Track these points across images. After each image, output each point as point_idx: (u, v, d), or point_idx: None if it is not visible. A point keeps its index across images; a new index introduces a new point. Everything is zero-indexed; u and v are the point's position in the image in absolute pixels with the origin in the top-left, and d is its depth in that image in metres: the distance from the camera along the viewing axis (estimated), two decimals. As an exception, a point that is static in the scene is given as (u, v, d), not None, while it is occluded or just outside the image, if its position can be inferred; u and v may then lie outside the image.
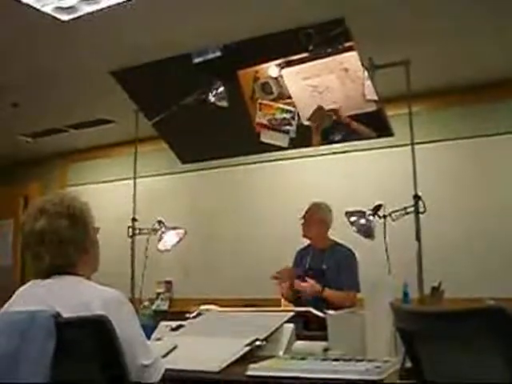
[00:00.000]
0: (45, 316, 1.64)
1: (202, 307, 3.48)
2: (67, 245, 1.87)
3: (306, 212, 4.40)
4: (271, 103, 4.35)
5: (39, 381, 1.57)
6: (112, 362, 1.67)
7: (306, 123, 4.41)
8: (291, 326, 2.59)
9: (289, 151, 4.91)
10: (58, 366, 1.59)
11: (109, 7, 3.74)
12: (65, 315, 1.66)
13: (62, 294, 1.79)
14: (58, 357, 1.60)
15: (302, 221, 4.37)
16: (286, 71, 4.09)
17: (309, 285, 4.08)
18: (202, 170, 6.31)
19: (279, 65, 4.08)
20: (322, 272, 4.19)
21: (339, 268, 4.17)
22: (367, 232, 4.12)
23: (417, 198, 3.72)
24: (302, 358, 2.19)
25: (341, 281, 4.11)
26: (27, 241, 1.90)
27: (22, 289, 1.93)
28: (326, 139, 4.53)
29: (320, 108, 4.31)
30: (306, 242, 4.45)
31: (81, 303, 1.74)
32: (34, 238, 1.87)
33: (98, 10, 3.77)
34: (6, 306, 1.90)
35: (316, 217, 4.36)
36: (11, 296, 1.93)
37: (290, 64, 4.03)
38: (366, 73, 3.92)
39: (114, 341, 1.65)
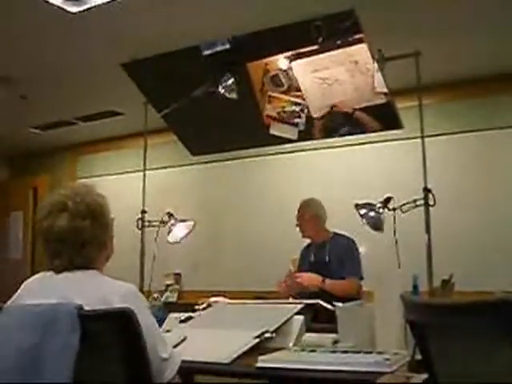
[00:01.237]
0: (68, 309, 1.63)
1: (212, 299, 3.48)
2: (89, 244, 1.87)
3: (298, 212, 4.41)
4: (281, 96, 4.33)
5: (64, 374, 1.56)
6: (137, 355, 1.66)
7: (315, 116, 4.39)
8: (301, 318, 2.59)
9: (299, 144, 4.90)
10: (81, 360, 1.59)
11: (118, -1, 3.74)
12: (85, 308, 1.66)
13: (81, 288, 1.78)
14: (81, 350, 1.59)
15: (297, 222, 4.38)
16: (295, 64, 4.07)
17: (307, 277, 4.09)
18: (212, 162, 6.31)
19: (289, 57, 4.05)
20: (326, 264, 4.20)
21: (341, 258, 4.20)
22: (376, 224, 4.11)
23: (426, 190, 3.72)
24: (312, 350, 2.19)
25: (343, 270, 4.13)
26: (45, 237, 1.88)
27: (30, 281, 1.92)
28: (336, 133, 4.51)
29: (332, 107, 4.28)
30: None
31: (100, 297, 1.73)
32: (55, 236, 1.85)
33: (106, 2, 3.78)
34: (14, 297, 1.89)
35: (307, 214, 4.38)
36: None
37: (299, 56, 4.00)
38: (376, 65, 3.90)
39: (139, 334, 1.65)
